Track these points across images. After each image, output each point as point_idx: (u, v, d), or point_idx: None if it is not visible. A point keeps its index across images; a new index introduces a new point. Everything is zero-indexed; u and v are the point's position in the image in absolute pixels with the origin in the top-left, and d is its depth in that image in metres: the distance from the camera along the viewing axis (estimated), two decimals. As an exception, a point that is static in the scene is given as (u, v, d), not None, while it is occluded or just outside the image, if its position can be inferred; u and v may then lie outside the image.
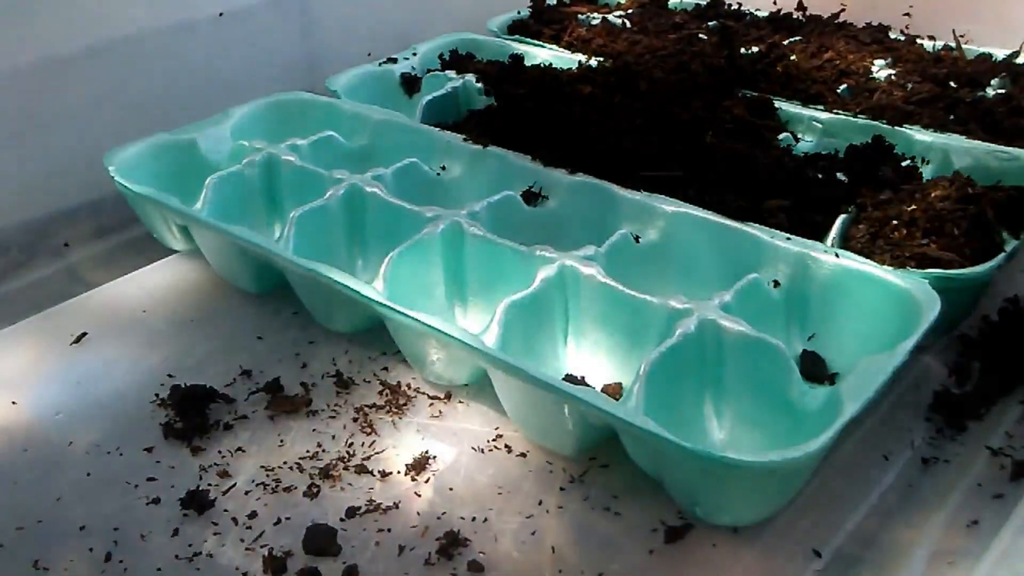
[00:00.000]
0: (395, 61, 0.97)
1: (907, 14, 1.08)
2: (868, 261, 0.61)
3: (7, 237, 0.81)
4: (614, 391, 0.58)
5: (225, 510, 0.54)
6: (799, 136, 0.81)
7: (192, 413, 0.60)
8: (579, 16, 1.11)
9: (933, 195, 0.67)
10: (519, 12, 1.12)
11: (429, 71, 0.95)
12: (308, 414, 0.61)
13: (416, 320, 0.58)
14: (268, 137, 0.82)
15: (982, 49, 0.96)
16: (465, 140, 0.78)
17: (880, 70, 0.92)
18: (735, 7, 1.16)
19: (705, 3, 1.17)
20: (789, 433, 0.52)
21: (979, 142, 0.76)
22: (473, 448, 0.58)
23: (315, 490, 0.55)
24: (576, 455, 0.56)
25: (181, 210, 0.72)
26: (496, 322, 0.57)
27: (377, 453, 0.58)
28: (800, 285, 0.62)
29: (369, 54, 0.97)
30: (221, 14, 0.95)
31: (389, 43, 0.98)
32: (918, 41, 1.01)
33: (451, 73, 0.93)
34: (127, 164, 0.77)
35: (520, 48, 1.00)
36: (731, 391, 0.57)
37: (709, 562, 0.50)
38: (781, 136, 0.80)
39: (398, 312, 0.59)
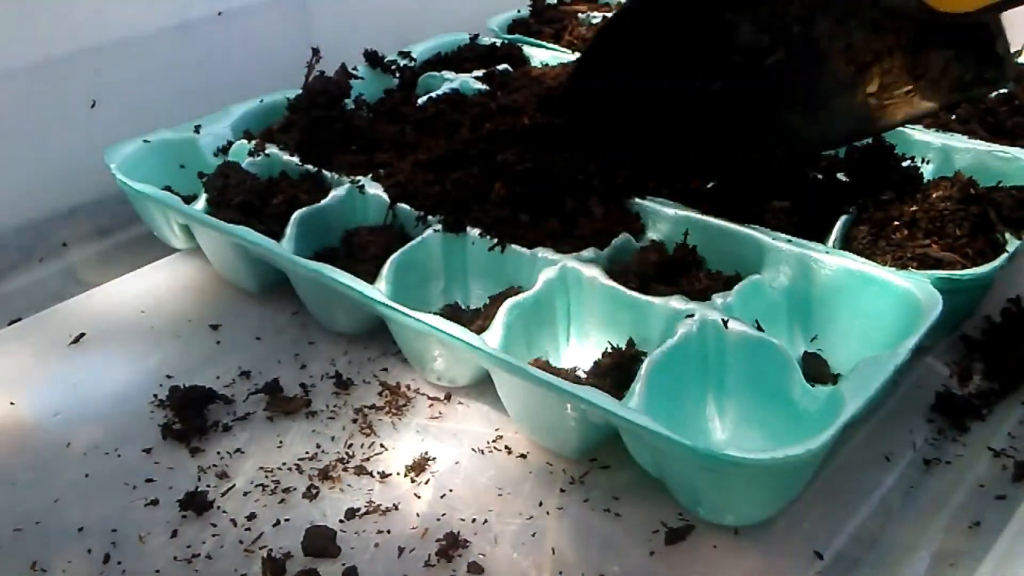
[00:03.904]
0: (392, 65, 0.97)
1: (908, 13, 1.08)
2: (869, 262, 0.61)
3: (6, 237, 0.81)
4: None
5: (224, 511, 0.54)
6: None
7: (191, 414, 0.60)
8: (579, 15, 1.11)
9: (935, 196, 0.66)
10: (519, 11, 1.12)
11: (426, 71, 0.95)
12: (307, 415, 0.61)
13: (419, 321, 0.58)
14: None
15: (983, 48, 0.96)
16: None
17: (881, 70, 0.92)
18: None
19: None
20: (791, 432, 0.52)
21: (980, 142, 0.75)
22: (473, 449, 0.58)
23: (314, 491, 0.55)
24: (578, 455, 0.56)
25: (183, 208, 0.71)
26: (498, 323, 0.57)
27: (376, 454, 0.57)
28: (802, 286, 0.62)
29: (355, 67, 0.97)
30: (220, 13, 0.95)
31: (389, 43, 0.97)
32: (919, 41, 1.00)
33: (448, 73, 0.93)
34: (128, 161, 0.77)
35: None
36: (733, 391, 0.56)
37: (710, 564, 0.50)
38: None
39: (403, 313, 0.58)
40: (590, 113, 0.72)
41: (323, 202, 0.70)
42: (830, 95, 0.61)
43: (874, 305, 0.59)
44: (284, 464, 0.57)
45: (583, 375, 0.57)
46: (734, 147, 0.66)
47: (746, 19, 0.62)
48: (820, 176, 0.71)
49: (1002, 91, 0.85)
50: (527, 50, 1.01)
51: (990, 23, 0.58)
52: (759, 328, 0.56)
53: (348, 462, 0.57)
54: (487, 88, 0.89)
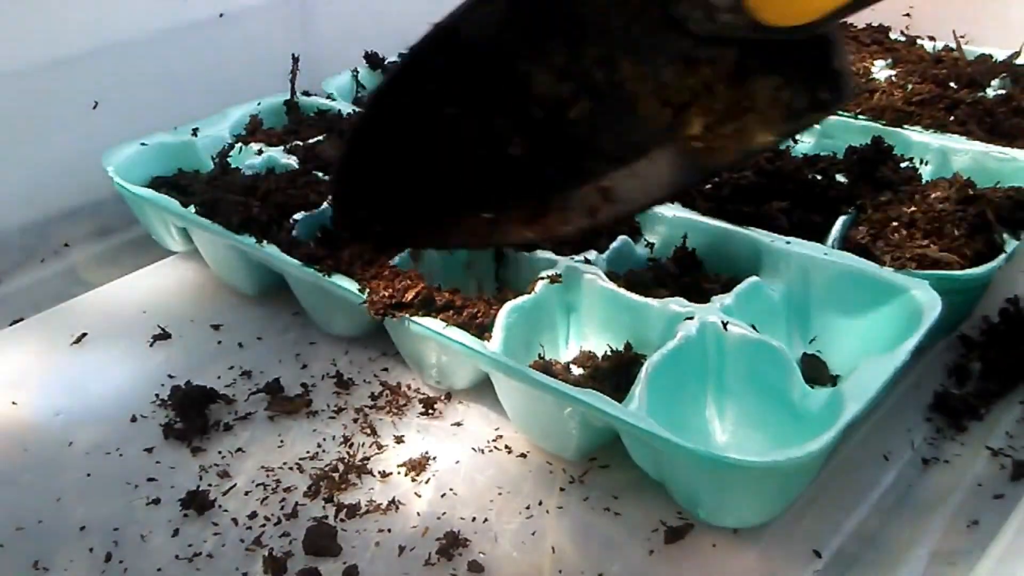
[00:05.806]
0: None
1: (907, 15, 1.08)
2: (868, 263, 0.61)
3: (7, 237, 0.82)
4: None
5: (225, 510, 0.54)
6: (797, 137, 0.82)
7: (192, 414, 0.60)
8: (579, 17, 1.11)
9: (933, 196, 0.67)
10: (519, 12, 1.12)
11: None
12: (308, 415, 0.61)
13: (418, 324, 0.58)
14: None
15: (982, 50, 0.96)
16: None
17: (880, 70, 0.92)
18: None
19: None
20: (791, 434, 0.52)
21: (978, 143, 0.76)
22: (473, 448, 0.58)
23: (315, 490, 0.55)
24: (578, 458, 0.56)
25: (180, 212, 0.71)
26: (498, 326, 0.57)
27: (377, 453, 0.58)
28: (801, 288, 0.62)
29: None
30: (222, 15, 0.95)
31: (389, 43, 0.98)
32: (918, 42, 1.01)
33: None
34: (126, 164, 0.77)
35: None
36: (733, 393, 0.56)
37: (709, 563, 0.50)
38: (781, 137, 0.80)
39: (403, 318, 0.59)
40: (372, 195, 0.61)
41: (323, 206, 0.70)
42: (648, 144, 0.53)
43: (873, 306, 0.59)
44: (285, 463, 0.57)
45: (582, 378, 0.57)
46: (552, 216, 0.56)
47: (540, 68, 0.53)
48: (819, 177, 0.71)
49: (1000, 92, 0.86)
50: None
51: (830, 35, 0.49)
52: (758, 330, 0.57)
53: (349, 461, 0.57)
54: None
